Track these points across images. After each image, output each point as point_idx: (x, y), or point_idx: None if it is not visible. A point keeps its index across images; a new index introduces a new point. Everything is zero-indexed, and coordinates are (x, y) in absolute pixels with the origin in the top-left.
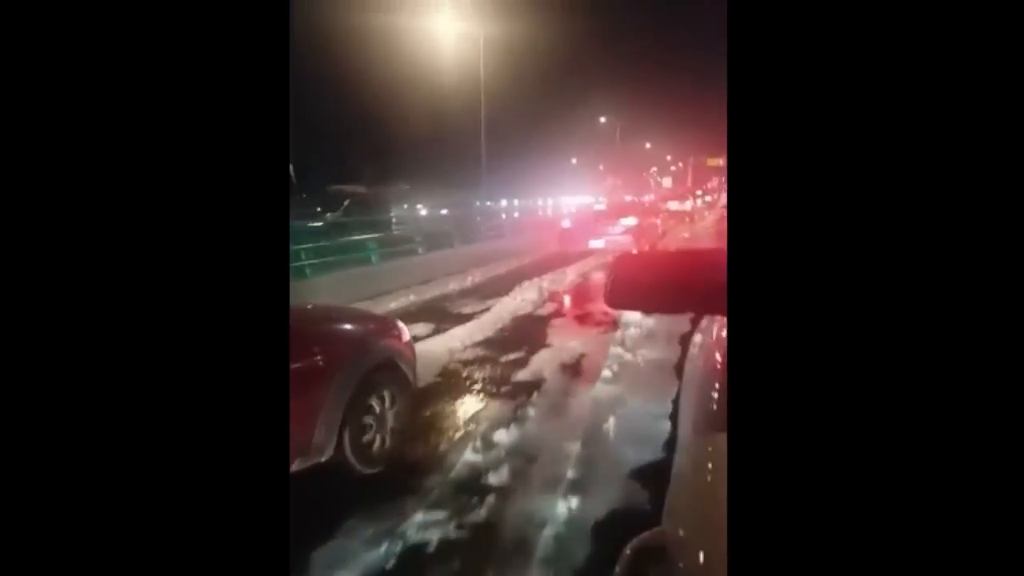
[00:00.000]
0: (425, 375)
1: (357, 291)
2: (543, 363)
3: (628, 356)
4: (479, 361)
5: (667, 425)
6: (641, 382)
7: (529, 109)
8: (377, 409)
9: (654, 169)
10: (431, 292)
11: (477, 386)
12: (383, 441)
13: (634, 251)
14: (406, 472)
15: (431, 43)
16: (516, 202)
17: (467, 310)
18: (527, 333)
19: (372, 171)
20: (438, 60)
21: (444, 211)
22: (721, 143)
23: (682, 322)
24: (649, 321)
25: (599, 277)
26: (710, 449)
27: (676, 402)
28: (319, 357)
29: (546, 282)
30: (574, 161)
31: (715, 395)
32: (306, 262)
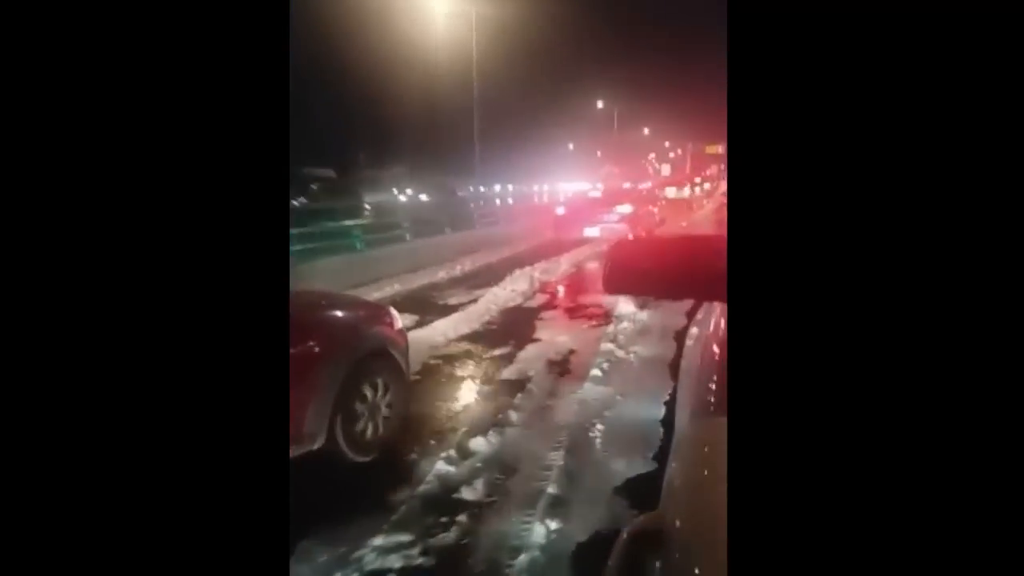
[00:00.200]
0: None
1: (339, 280)
2: (530, 360)
3: (620, 353)
4: (461, 357)
5: (659, 431)
6: (633, 382)
7: (524, 92)
8: (369, 397)
9: (652, 155)
10: (418, 281)
11: (457, 386)
12: (375, 429)
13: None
14: (390, 469)
15: (422, 21)
16: (510, 187)
17: (454, 301)
18: (515, 327)
19: (367, 156)
20: (430, 39)
21: (423, 197)
22: (720, 130)
23: (677, 316)
24: (643, 315)
25: (593, 267)
26: (708, 433)
27: (669, 404)
28: (309, 344)
29: (538, 272)
30: (571, 147)
31: (713, 387)
32: None
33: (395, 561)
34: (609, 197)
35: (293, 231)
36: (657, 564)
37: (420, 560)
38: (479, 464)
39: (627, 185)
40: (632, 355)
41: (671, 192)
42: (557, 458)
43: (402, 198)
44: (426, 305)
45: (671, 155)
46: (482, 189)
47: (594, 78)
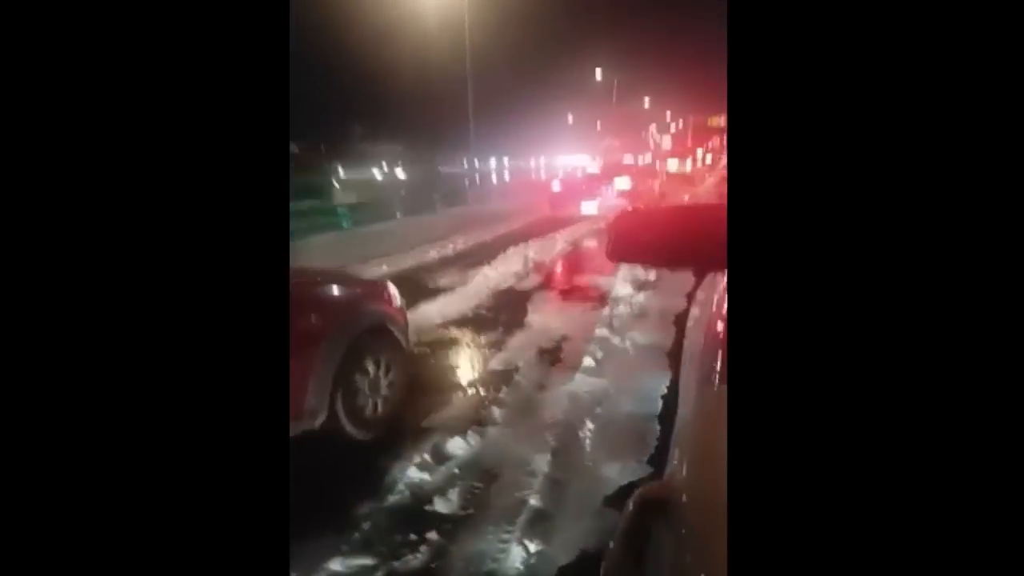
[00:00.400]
0: None
1: (323, 260)
2: (519, 348)
3: (615, 340)
4: (446, 345)
5: (654, 429)
6: (627, 373)
7: (520, 62)
8: (371, 373)
9: (653, 126)
10: (408, 261)
11: (438, 378)
12: (375, 407)
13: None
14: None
15: None
16: (506, 161)
17: (444, 282)
18: (505, 311)
19: (363, 130)
20: (421, 6)
21: (400, 172)
22: (723, 102)
23: (676, 298)
24: (640, 297)
25: (590, 245)
26: (714, 402)
27: (667, 399)
28: (307, 320)
29: (532, 251)
30: (570, 119)
31: (717, 365)
32: None
33: None
34: (608, 171)
35: None
36: (663, 533)
37: None
38: (456, 470)
39: (627, 159)
40: (628, 342)
41: (672, 165)
42: (542, 463)
43: (396, 174)
44: (414, 287)
45: (672, 126)
46: (477, 164)
47: (592, 46)
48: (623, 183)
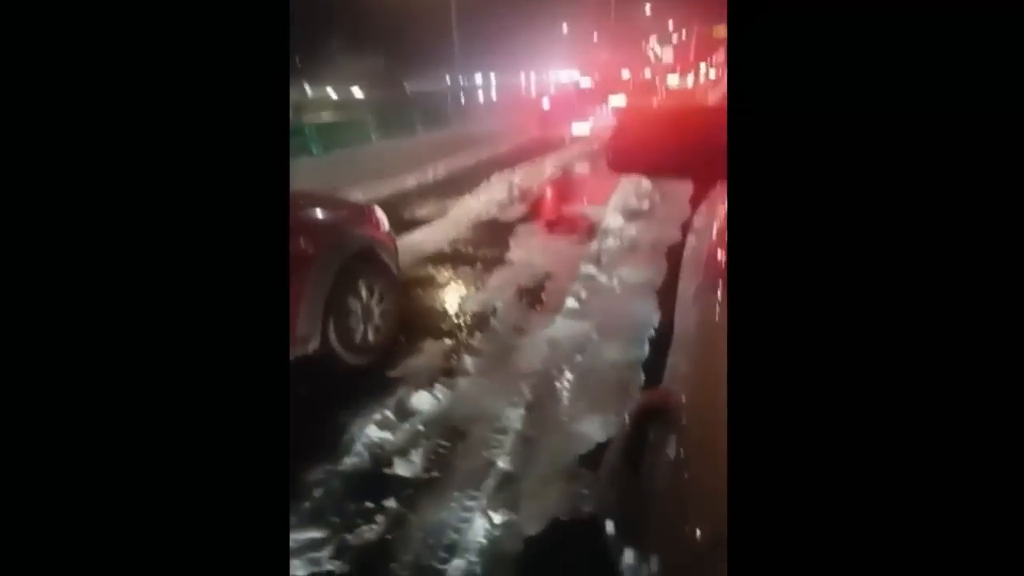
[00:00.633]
0: None
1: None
2: (497, 288)
3: (602, 278)
4: (419, 285)
5: (639, 379)
6: (613, 315)
7: None
8: (362, 300)
9: (653, 38)
10: (382, 189)
11: (407, 322)
12: (366, 334)
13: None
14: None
15: None
16: (493, 77)
17: (421, 213)
18: (485, 246)
19: (338, 43)
20: None
21: (357, 91)
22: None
23: (670, 228)
24: (632, 230)
25: (581, 170)
26: (711, 311)
27: (655, 342)
28: (296, 243)
29: (518, 176)
30: (564, 30)
31: (718, 294)
32: None
33: (298, 568)
34: (602, 87)
35: None
36: (661, 435)
37: (329, 566)
38: (420, 427)
39: (626, 74)
40: (615, 280)
41: (673, 80)
42: (515, 418)
43: (371, 92)
44: (389, 218)
45: (675, 38)
46: (461, 81)
47: None
48: (619, 100)
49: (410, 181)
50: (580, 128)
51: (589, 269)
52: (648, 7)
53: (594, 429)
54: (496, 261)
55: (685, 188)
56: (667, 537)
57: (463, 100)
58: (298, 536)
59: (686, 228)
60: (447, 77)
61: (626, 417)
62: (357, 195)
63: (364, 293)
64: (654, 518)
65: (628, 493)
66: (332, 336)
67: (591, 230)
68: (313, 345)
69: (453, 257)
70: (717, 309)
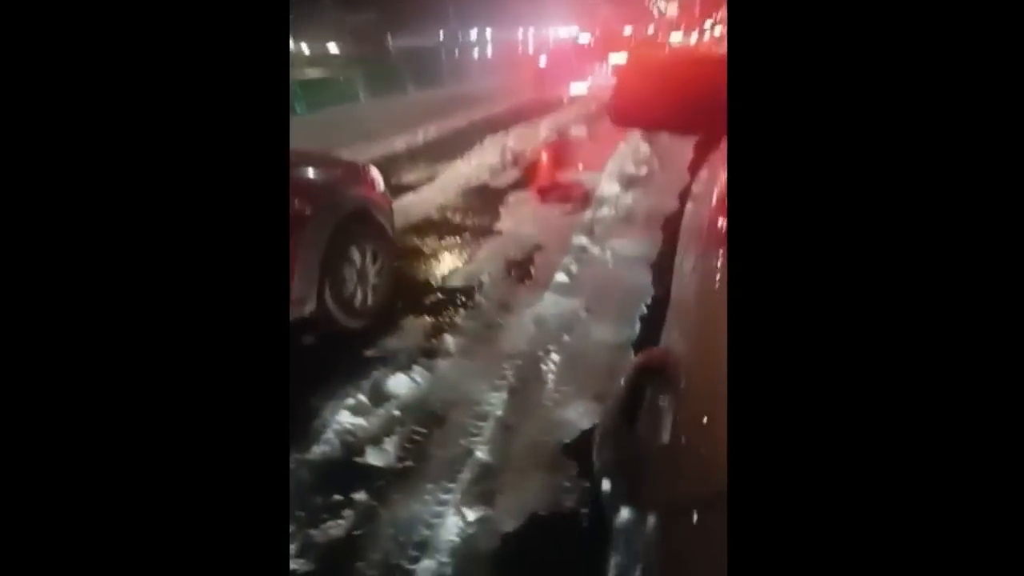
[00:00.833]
0: None
1: None
2: (484, 260)
3: (595, 250)
4: (402, 256)
5: (630, 358)
6: (604, 291)
7: None
8: (357, 262)
9: None
10: (370, 152)
11: (388, 297)
12: (364, 296)
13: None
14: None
15: None
16: (488, 33)
17: (409, 178)
18: (474, 214)
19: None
20: None
21: (333, 48)
22: None
23: (668, 198)
24: (628, 198)
25: (579, 133)
26: (711, 279)
27: (647, 320)
28: (290, 203)
29: (512, 139)
30: None
31: (718, 262)
32: None
33: None
34: (602, 44)
35: None
36: (659, 393)
37: (294, 565)
38: (396, 412)
39: (628, 30)
40: (608, 252)
41: (676, 38)
42: (496, 403)
43: (359, 48)
44: None
45: None
46: (456, 37)
47: None
48: (619, 58)
49: (399, 143)
50: (578, 88)
51: (581, 240)
52: None
53: (577, 416)
54: (485, 231)
55: (685, 153)
56: (664, 495)
57: (457, 57)
58: None
59: (684, 196)
60: (440, 33)
61: (628, 371)
62: (344, 158)
63: (359, 255)
64: (650, 476)
65: (625, 451)
66: (328, 298)
67: (585, 198)
68: (310, 307)
69: (440, 226)
70: (717, 277)
